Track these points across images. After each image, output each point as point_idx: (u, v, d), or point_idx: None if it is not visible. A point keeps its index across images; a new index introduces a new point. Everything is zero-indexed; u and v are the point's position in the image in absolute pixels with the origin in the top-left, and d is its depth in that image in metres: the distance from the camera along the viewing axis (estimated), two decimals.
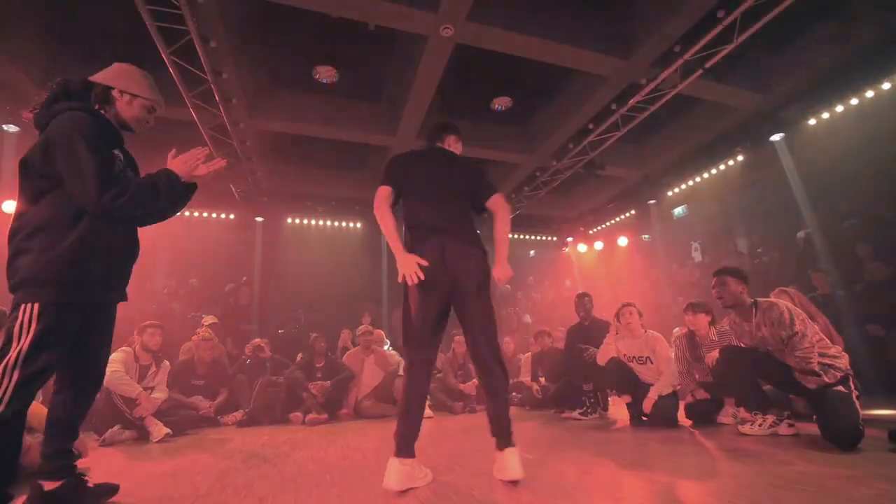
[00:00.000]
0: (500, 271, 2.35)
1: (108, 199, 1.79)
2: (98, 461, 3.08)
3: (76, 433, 2.08)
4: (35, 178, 1.83)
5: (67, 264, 1.77)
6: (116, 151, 2.01)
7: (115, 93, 2.05)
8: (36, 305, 1.72)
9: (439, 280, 2.21)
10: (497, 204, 2.43)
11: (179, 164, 2.09)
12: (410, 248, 2.32)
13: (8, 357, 1.68)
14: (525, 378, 5.85)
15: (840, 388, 2.76)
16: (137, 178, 2.00)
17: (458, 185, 2.43)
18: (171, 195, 2.03)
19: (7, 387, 1.67)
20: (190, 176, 2.12)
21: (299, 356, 5.68)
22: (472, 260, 2.28)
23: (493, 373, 2.22)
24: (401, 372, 5.52)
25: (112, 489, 2.12)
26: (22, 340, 1.69)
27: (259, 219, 8.70)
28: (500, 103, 6.68)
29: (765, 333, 2.99)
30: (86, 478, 2.03)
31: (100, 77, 2.06)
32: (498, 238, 2.41)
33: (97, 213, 1.81)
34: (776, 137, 6.51)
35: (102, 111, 2.02)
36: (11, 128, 5.63)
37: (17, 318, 1.71)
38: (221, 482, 2.37)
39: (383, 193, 2.38)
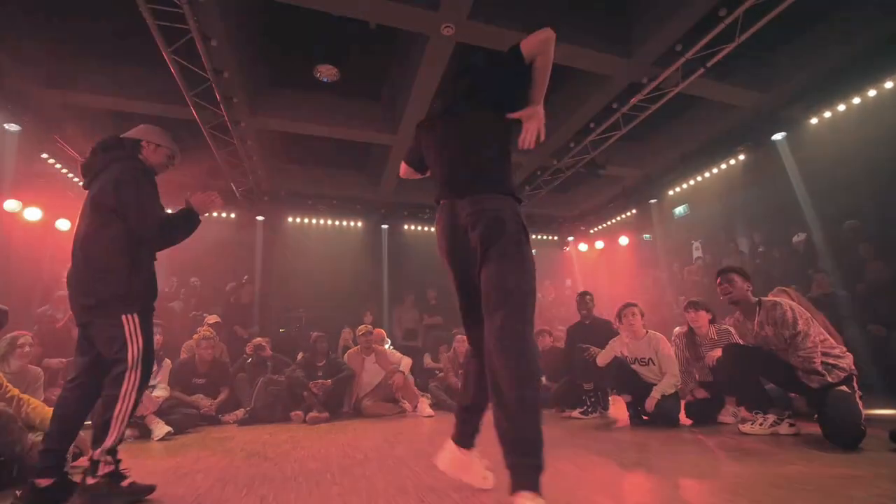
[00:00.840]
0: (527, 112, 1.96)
1: (159, 230, 2.29)
2: None
3: (76, 435, 2.25)
4: (105, 212, 2.23)
5: (145, 282, 2.29)
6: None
7: (143, 143, 2.48)
8: (136, 315, 2.17)
9: (451, 250, 1.90)
10: (528, 45, 1.95)
11: (199, 202, 2.47)
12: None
13: (130, 358, 2.11)
14: None
15: (843, 387, 2.76)
16: (173, 213, 2.45)
17: (470, 114, 2.04)
18: (190, 228, 2.47)
19: (134, 382, 2.12)
20: (202, 212, 2.51)
21: (300, 355, 5.69)
22: (486, 214, 1.79)
23: (492, 365, 1.64)
24: (401, 369, 5.54)
25: (147, 489, 2.22)
26: (136, 343, 2.14)
27: (260, 218, 8.70)
28: None
29: (768, 332, 2.99)
30: (124, 471, 2.15)
31: (130, 133, 2.50)
32: (541, 82, 1.99)
33: (151, 240, 2.32)
34: (778, 137, 6.49)
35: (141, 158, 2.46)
36: (13, 127, 5.63)
37: (121, 326, 2.13)
38: (222, 480, 2.38)
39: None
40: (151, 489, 2.20)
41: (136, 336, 2.16)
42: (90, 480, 2.06)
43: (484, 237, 1.76)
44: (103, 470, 2.07)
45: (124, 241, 2.22)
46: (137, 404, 2.18)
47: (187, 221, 2.43)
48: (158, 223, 2.28)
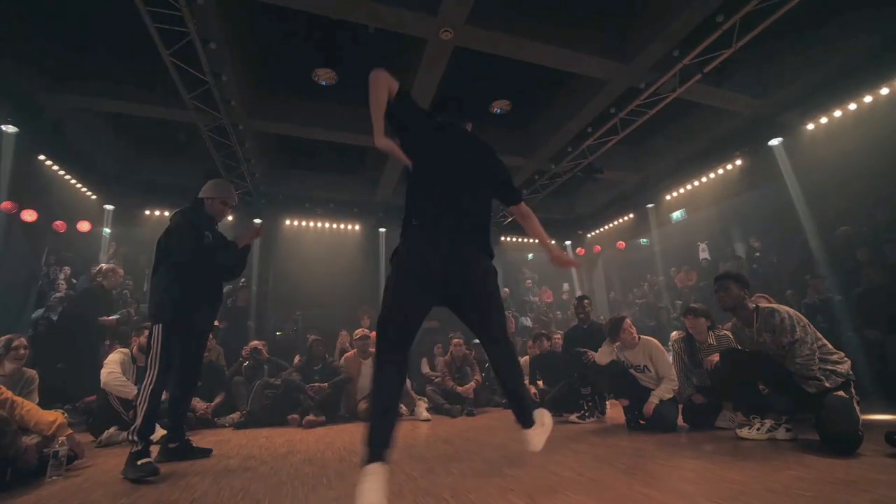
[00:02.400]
0: (561, 256, 2.41)
1: (191, 253, 2.96)
2: (94, 462, 3.07)
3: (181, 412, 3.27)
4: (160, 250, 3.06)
5: (174, 302, 2.94)
6: (207, 232, 3.12)
7: (205, 200, 3.29)
8: (160, 326, 2.86)
9: (430, 278, 1.91)
10: (526, 210, 2.36)
11: (239, 236, 3.42)
12: (403, 241, 2.02)
13: (148, 361, 2.89)
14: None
15: (840, 392, 2.76)
16: (215, 243, 3.17)
17: (479, 173, 2.18)
18: (229, 253, 3.26)
19: (149, 383, 2.82)
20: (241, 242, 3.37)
21: (297, 358, 5.67)
22: (486, 270, 2.01)
23: (515, 369, 2.10)
24: None
25: (206, 451, 3.25)
26: (155, 349, 2.88)
27: (257, 221, 8.68)
28: (499, 106, 6.69)
29: (766, 339, 2.99)
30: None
31: (201, 193, 3.31)
32: (539, 233, 2.36)
33: (186, 261, 2.96)
34: (775, 142, 6.52)
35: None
36: (10, 128, 5.61)
37: (150, 332, 2.93)
38: (218, 484, 2.37)
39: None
40: (155, 471, 2.52)
41: (157, 344, 2.80)
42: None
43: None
44: (133, 448, 2.60)
45: (164, 269, 2.97)
46: (154, 402, 2.77)
47: (226, 248, 3.22)
48: (191, 249, 2.94)
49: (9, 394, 2.78)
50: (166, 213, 8.21)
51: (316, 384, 4.98)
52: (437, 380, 5.95)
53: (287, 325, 7.70)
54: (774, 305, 3.08)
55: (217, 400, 4.93)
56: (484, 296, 2.01)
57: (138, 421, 2.69)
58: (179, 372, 3.07)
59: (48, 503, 2.13)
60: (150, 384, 2.75)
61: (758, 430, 3.05)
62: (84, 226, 7.54)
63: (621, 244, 10.04)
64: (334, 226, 9.38)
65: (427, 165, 2.17)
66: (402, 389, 1.89)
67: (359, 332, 5.75)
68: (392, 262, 2.00)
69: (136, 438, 2.63)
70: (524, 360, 6.13)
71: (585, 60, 5.31)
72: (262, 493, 2.17)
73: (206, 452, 3.23)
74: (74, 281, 7.34)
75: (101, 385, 3.94)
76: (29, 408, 2.77)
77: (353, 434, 4.10)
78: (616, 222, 10.02)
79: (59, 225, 7.02)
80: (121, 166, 7.64)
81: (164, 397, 4.20)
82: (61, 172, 6.65)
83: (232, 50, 5.06)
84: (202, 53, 4.58)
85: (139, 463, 2.53)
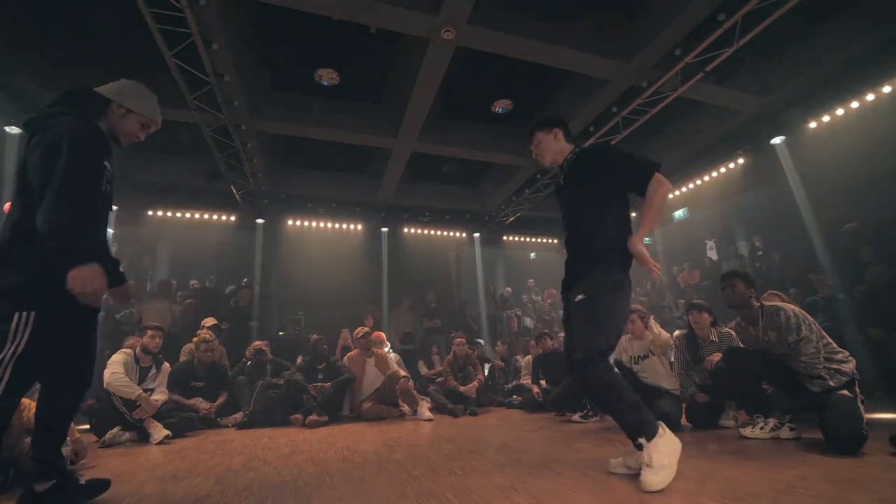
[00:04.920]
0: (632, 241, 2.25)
1: (68, 219, 1.76)
2: (98, 463, 3.08)
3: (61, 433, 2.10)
4: (28, 183, 1.85)
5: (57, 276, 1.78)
6: (106, 162, 1.99)
7: (112, 106, 2.08)
8: (32, 313, 1.75)
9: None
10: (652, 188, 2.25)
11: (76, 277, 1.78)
12: (624, 273, 2.31)
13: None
14: (526, 381, 5.85)
15: (845, 391, 2.75)
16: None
17: (577, 192, 2.38)
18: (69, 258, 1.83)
19: None
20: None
21: (300, 358, 5.68)
22: (580, 284, 2.24)
23: (580, 382, 2.22)
24: (403, 372, 5.55)
25: (103, 484, 2.16)
26: (14, 346, 1.73)
27: (260, 221, 8.70)
28: (501, 106, 6.68)
29: (771, 338, 2.99)
30: (76, 475, 2.07)
31: (103, 88, 2.09)
32: (644, 210, 2.27)
33: (48, 225, 1.80)
34: (777, 140, 6.51)
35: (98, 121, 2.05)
36: (14, 129, 5.63)
37: (9, 321, 1.73)
38: (221, 484, 2.37)
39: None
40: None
41: (18, 338, 1.70)
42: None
43: None
44: (42, 485, 1.89)
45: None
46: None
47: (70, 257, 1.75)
48: (72, 208, 1.74)
49: None
50: (169, 214, 8.24)
51: (319, 384, 4.99)
52: (439, 379, 5.96)
53: (290, 326, 7.71)
54: (779, 304, 3.08)
55: (220, 400, 4.95)
56: None
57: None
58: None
59: None
60: None
61: (761, 429, 3.05)
62: None
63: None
64: (337, 225, 9.39)
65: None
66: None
67: (360, 330, 5.76)
68: (622, 288, 2.24)
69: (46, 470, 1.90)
70: (527, 359, 6.14)
71: (587, 59, 5.30)
72: (266, 493, 2.17)
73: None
74: None
75: (104, 385, 3.95)
76: (33, 408, 2.78)
77: (356, 434, 4.11)
78: None
79: None
80: (123, 167, 7.65)
81: (165, 398, 4.27)
82: None
83: (234, 50, 5.07)
84: (204, 54, 4.58)
85: (84, 483, 2.04)
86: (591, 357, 2.07)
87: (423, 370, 6.60)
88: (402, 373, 5.56)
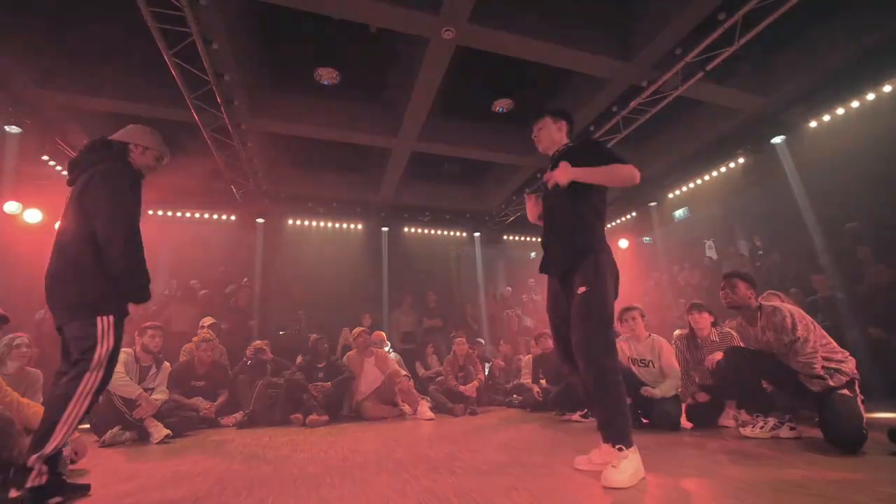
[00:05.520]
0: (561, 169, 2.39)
1: (123, 239, 2.22)
2: (98, 462, 3.08)
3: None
4: (84, 211, 2.24)
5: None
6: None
7: (130, 146, 2.47)
8: (111, 317, 2.16)
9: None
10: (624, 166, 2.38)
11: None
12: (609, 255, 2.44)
13: (95, 359, 2.09)
14: (526, 380, 5.85)
15: (845, 391, 2.75)
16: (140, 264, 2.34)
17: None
18: (135, 283, 2.32)
19: (92, 385, 2.09)
20: None
21: (299, 358, 5.69)
22: (567, 256, 2.39)
23: (581, 369, 2.23)
24: (404, 371, 5.55)
25: (82, 489, 2.21)
26: (105, 344, 2.13)
27: (260, 220, 8.70)
28: (501, 105, 6.67)
29: (770, 338, 2.99)
30: (63, 477, 2.12)
31: (118, 135, 2.48)
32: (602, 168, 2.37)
33: (112, 245, 2.23)
34: (777, 140, 6.50)
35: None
36: (14, 129, 5.63)
37: (94, 326, 2.10)
38: (221, 484, 2.37)
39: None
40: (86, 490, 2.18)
41: (108, 338, 2.11)
42: (13, 493, 1.86)
43: None
44: (34, 482, 1.87)
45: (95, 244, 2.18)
46: (90, 410, 2.08)
47: (135, 280, 2.25)
48: (127, 229, 2.21)
49: (15, 395, 2.78)
50: (168, 214, 8.23)
51: (319, 383, 4.99)
52: (439, 378, 5.96)
53: (290, 325, 7.71)
54: (778, 304, 3.08)
55: (220, 399, 4.95)
56: None
57: (55, 443, 1.94)
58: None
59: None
60: (88, 390, 2.04)
61: (761, 428, 3.05)
62: None
63: (624, 242, 10.02)
64: (337, 225, 9.39)
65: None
66: None
67: (357, 329, 5.76)
68: (612, 272, 2.36)
69: (44, 467, 1.92)
70: (527, 358, 6.14)
71: (588, 59, 5.29)
72: (265, 492, 2.18)
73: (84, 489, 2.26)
74: None
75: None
76: (36, 409, 2.78)
77: (355, 433, 4.11)
78: (618, 221, 10.00)
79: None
80: None
81: (165, 398, 4.27)
82: (65, 173, 6.64)
83: (234, 50, 5.07)
84: (204, 53, 4.58)
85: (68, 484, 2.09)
86: (607, 348, 2.20)
87: (421, 371, 6.60)
88: (403, 372, 5.57)
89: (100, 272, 2.15)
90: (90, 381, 2.04)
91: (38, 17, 4.92)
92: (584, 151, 2.50)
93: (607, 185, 2.43)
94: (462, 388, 5.52)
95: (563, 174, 2.35)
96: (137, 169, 2.47)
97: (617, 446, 2.08)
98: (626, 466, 2.02)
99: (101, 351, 2.07)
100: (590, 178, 2.35)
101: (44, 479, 1.90)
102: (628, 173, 2.33)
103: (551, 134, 2.62)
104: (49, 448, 1.92)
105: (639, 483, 2.03)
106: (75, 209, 2.23)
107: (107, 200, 2.19)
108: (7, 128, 5.60)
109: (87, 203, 2.21)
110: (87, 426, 4.18)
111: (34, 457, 1.89)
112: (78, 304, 2.12)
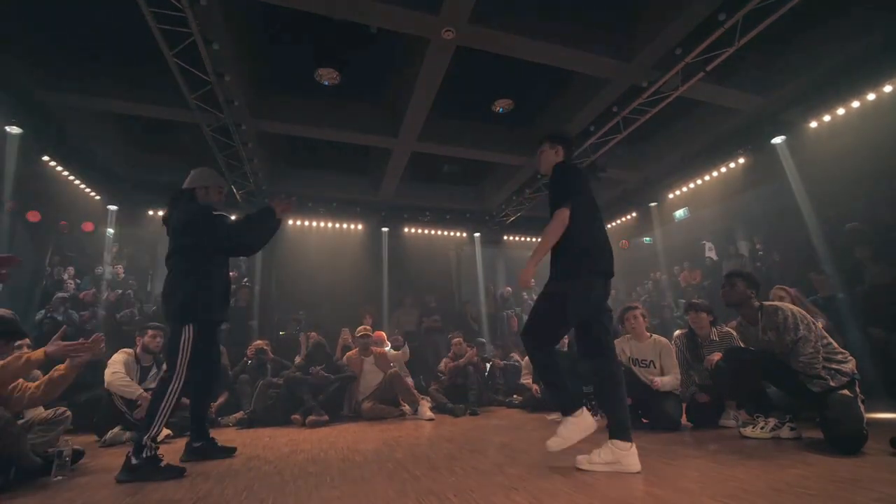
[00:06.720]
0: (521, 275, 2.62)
1: (226, 238, 3.02)
2: (98, 462, 3.08)
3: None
4: (174, 244, 2.95)
5: (205, 301, 2.94)
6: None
7: (196, 190, 3.10)
8: (191, 326, 2.77)
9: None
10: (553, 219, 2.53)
11: (278, 204, 3.13)
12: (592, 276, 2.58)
13: (178, 364, 2.78)
14: (526, 380, 5.85)
15: (845, 391, 2.75)
16: (247, 215, 3.13)
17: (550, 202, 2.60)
18: (265, 224, 3.14)
19: (176, 387, 2.77)
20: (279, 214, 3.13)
21: (299, 357, 5.69)
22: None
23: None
24: (397, 365, 5.56)
25: (229, 451, 3.20)
26: (185, 352, 2.80)
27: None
28: (502, 105, 6.67)
29: (770, 337, 2.99)
30: (161, 456, 2.64)
31: (186, 184, 3.13)
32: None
33: (223, 249, 3.08)
34: (777, 140, 6.49)
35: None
36: (14, 129, 5.64)
37: (179, 334, 2.76)
38: (222, 484, 2.37)
39: None
40: (183, 471, 2.58)
41: (187, 346, 2.72)
42: (134, 461, 2.49)
43: None
44: (148, 453, 2.51)
45: (189, 265, 2.85)
46: (178, 404, 2.74)
47: (262, 218, 3.03)
48: (227, 233, 2.90)
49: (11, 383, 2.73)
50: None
51: (318, 368, 5.01)
52: (441, 378, 5.96)
53: (290, 325, 7.71)
54: (778, 304, 3.08)
55: (220, 399, 4.95)
56: None
57: (158, 426, 2.62)
58: (201, 371, 2.96)
59: (53, 503, 2.14)
60: (176, 388, 2.69)
61: (761, 428, 3.05)
62: (88, 226, 7.58)
63: (624, 243, 10.02)
64: (337, 225, 9.39)
65: (592, 209, 2.64)
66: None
67: (360, 329, 5.76)
68: (591, 286, 2.47)
69: (152, 444, 2.57)
70: (527, 359, 6.14)
71: (588, 59, 5.30)
72: (266, 492, 2.18)
73: (230, 452, 3.18)
74: (78, 281, 7.38)
75: (105, 385, 3.95)
76: (30, 385, 2.72)
77: (355, 433, 4.11)
78: (619, 221, 10.00)
79: (64, 225, 7.05)
80: (124, 167, 7.66)
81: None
82: (65, 173, 6.67)
83: (235, 50, 5.07)
84: (205, 54, 4.58)
85: (163, 466, 2.55)
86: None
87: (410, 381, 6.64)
88: (400, 359, 5.57)
89: (186, 289, 2.89)
90: (175, 383, 2.73)
91: (38, 19, 4.92)
92: (552, 181, 2.69)
93: (552, 243, 2.51)
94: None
95: (524, 280, 2.62)
96: (207, 204, 3.04)
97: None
98: (562, 430, 2.47)
99: (181, 357, 2.75)
100: (540, 255, 2.53)
101: (152, 452, 2.54)
102: (556, 224, 2.47)
103: (549, 157, 2.82)
104: (153, 430, 2.60)
105: (613, 463, 2.33)
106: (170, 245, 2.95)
107: (201, 221, 2.91)
108: (7, 128, 5.60)
109: (176, 237, 2.93)
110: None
111: (145, 437, 2.55)
112: (171, 313, 2.88)
